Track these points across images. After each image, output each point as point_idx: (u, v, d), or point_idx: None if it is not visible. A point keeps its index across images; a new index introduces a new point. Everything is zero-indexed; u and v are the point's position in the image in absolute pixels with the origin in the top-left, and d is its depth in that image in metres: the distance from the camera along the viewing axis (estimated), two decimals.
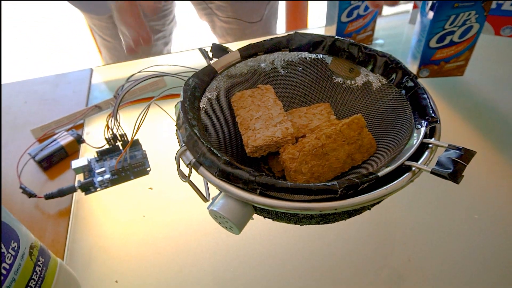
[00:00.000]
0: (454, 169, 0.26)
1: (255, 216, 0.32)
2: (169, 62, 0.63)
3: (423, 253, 0.34)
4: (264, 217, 0.32)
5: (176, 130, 0.33)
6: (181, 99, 0.34)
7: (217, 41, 0.84)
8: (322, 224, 0.31)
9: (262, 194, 0.27)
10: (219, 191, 0.30)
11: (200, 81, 0.37)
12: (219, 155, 0.29)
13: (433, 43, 0.50)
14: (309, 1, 1.19)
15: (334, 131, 0.34)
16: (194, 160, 0.30)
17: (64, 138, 0.46)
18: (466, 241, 0.35)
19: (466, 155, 0.27)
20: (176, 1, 0.80)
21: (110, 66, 0.64)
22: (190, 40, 1.93)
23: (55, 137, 0.46)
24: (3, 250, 0.25)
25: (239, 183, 0.27)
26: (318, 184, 0.26)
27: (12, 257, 0.25)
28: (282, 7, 1.22)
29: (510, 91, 0.52)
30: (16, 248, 0.26)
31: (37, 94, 0.58)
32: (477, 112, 0.49)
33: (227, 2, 0.77)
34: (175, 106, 0.34)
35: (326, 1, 0.61)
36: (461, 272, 0.33)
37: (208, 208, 0.29)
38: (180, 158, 0.31)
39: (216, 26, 0.84)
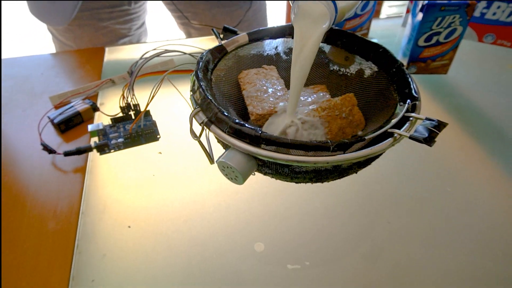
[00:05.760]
0: (429, 135, 0.31)
1: (256, 175, 0.36)
2: (180, 44, 0.67)
3: (401, 216, 0.39)
4: (265, 173, 0.36)
5: (191, 95, 0.37)
6: (196, 69, 0.38)
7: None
8: (314, 182, 0.35)
9: (265, 149, 0.32)
10: (225, 149, 0.35)
11: (212, 57, 0.42)
12: (228, 115, 0.33)
13: (421, 42, 0.56)
14: None
15: (329, 105, 0.38)
16: (206, 119, 0.34)
17: (80, 105, 0.50)
18: (439, 209, 0.40)
19: (439, 125, 0.32)
20: (147, 8, 0.79)
21: (122, 46, 0.68)
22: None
23: (72, 104, 0.50)
24: None
25: (246, 138, 0.32)
26: (313, 141, 0.31)
27: None
28: (283, 5, 1.26)
29: (487, 91, 0.58)
30: None
31: (53, 68, 0.61)
32: (457, 106, 0.55)
33: (203, 9, 0.75)
34: (191, 75, 0.38)
35: None
36: (432, 234, 0.38)
37: (216, 161, 0.34)
38: (193, 118, 0.35)
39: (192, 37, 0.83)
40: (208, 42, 0.70)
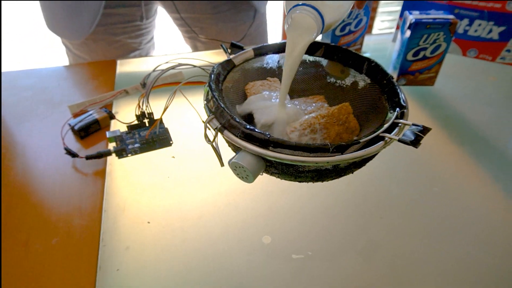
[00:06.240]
0: (415, 138, 0.36)
1: (262, 177, 0.41)
2: (188, 57, 0.72)
3: (393, 213, 0.44)
4: (271, 173, 0.40)
5: (205, 104, 0.42)
6: (209, 81, 0.43)
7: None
8: (315, 181, 0.40)
9: (272, 151, 0.36)
10: (235, 152, 0.39)
11: (222, 69, 0.46)
12: (240, 121, 0.38)
13: (409, 56, 0.61)
14: None
15: (327, 113, 0.43)
16: (220, 125, 0.39)
17: (98, 113, 0.54)
18: (427, 206, 0.45)
19: (424, 130, 0.36)
20: (156, 23, 0.84)
21: (132, 59, 0.73)
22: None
23: (90, 112, 0.54)
24: None
25: (256, 141, 0.36)
26: (315, 143, 0.35)
27: None
28: (280, 20, 1.32)
29: (471, 101, 0.63)
30: None
31: (68, 79, 0.66)
32: (443, 114, 0.60)
33: (210, 24, 0.80)
34: (205, 86, 0.43)
35: None
36: (420, 229, 0.42)
37: (229, 162, 0.38)
38: (208, 125, 0.40)
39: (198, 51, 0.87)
40: (213, 56, 0.75)
